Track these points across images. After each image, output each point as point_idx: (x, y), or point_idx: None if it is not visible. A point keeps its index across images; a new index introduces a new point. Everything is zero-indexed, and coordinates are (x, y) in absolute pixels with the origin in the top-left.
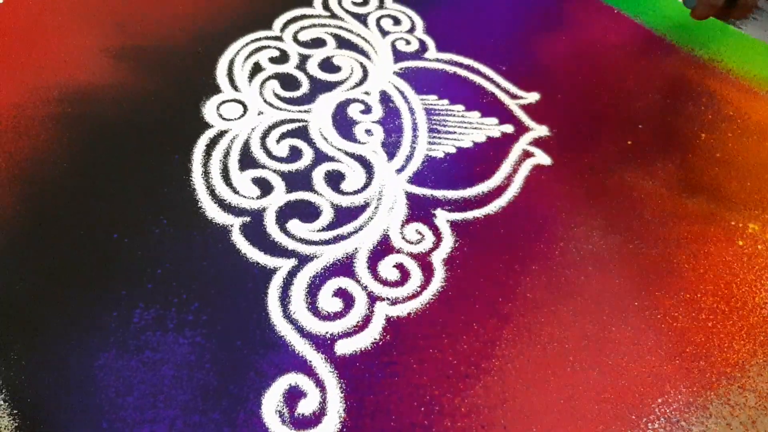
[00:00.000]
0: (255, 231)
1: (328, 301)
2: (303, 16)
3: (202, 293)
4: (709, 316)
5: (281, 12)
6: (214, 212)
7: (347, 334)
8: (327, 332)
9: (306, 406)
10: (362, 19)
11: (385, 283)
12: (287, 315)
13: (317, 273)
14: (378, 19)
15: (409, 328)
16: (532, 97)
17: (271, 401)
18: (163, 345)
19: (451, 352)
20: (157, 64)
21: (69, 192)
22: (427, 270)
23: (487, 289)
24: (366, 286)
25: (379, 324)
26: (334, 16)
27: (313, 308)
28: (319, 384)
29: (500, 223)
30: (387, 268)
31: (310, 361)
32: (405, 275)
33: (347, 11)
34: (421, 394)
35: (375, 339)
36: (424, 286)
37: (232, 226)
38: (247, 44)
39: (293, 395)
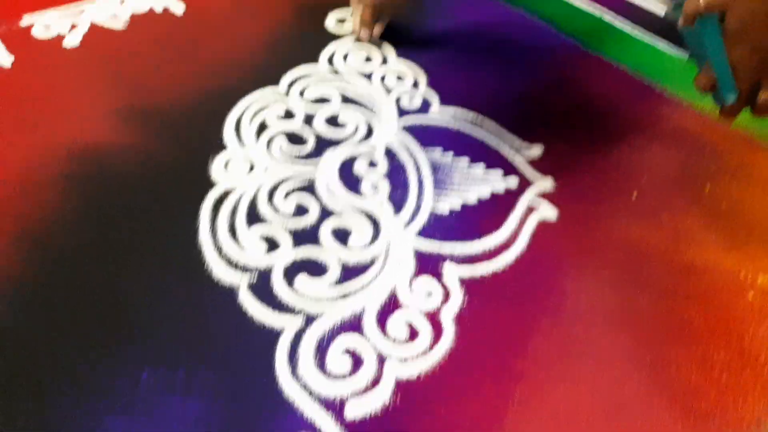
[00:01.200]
0: (262, 289)
1: (336, 361)
2: (309, 74)
3: (210, 355)
4: (722, 371)
5: (287, 70)
6: (221, 271)
7: (357, 396)
8: (336, 395)
9: None
10: (367, 76)
11: (394, 341)
12: (296, 376)
13: (325, 332)
14: (382, 77)
15: (420, 390)
16: (536, 150)
17: None
18: (171, 408)
19: (462, 414)
20: (165, 123)
21: (76, 253)
22: (437, 327)
23: (498, 346)
24: (375, 345)
25: (389, 385)
26: (338, 73)
27: (322, 368)
28: None
29: (509, 278)
30: (396, 325)
31: (320, 426)
32: (414, 333)
33: (352, 68)
34: None
35: (385, 402)
36: (434, 344)
37: (238, 284)
38: (254, 102)
39: None
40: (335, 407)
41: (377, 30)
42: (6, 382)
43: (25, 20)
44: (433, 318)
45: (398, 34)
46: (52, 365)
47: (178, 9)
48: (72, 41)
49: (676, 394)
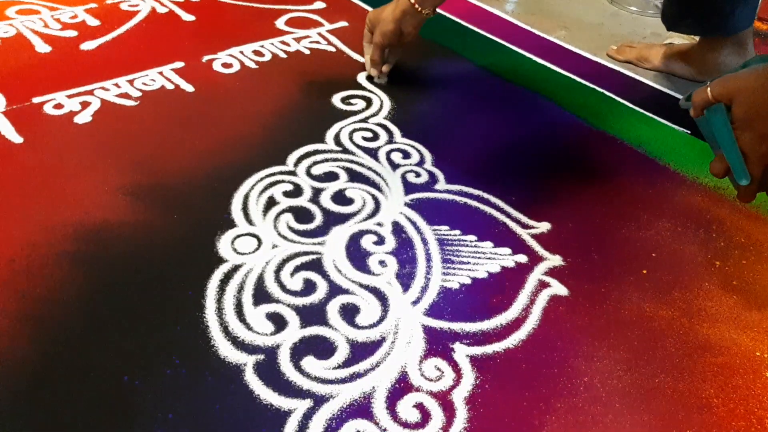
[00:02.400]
0: (269, 370)
1: None
2: (316, 152)
3: None
4: None
5: (295, 147)
6: (227, 350)
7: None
8: None
9: None
10: (373, 153)
11: (405, 425)
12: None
13: (333, 415)
14: (388, 153)
15: None
16: (544, 226)
17: None
18: None
19: None
20: (172, 201)
21: (80, 332)
22: (449, 410)
23: (513, 429)
24: (385, 429)
25: None
26: (345, 150)
27: None
28: None
29: (521, 358)
30: (406, 408)
31: None
32: (426, 416)
33: (358, 146)
34: None
35: None
36: (446, 428)
37: (245, 365)
38: (261, 179)
39: None
40: None
41: (386, 68)
42: None
43: (37, 99)
44: (445, 399)
45: (403, 114)
46: None
47: (189, 87)
48: (83, 118)
49: None
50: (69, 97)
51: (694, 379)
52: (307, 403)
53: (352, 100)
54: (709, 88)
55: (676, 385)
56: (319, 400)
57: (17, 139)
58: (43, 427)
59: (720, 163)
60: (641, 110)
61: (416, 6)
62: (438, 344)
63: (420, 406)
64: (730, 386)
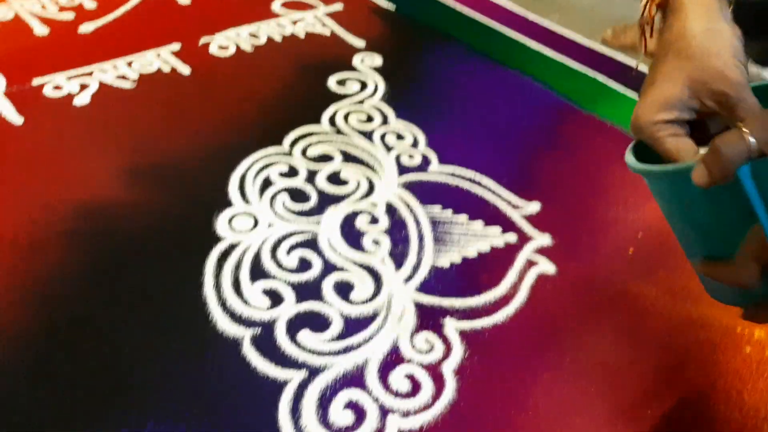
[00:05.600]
0: (266, 342)
1: (339, 415)
2: (311, 133)
3: (213, 408)
4: (724, 426)
5: (290, 129)
6: (225, 324)
7: None
8: None
9: None
10: (367, 135)
11: (396, 394)
12: (298, 429)
13: (328, 385)
14: (382, 135)
15: None
16: (533, 207)
17: None
18: None
19: None
20: (170, 181)
21: (81, 308)
22: (439, 381)
23: (499, 400)
24: (377, 398)
25: None
26: (340, 132)
27: (325, 422)
28: None
29: (509, 332)
30: (398, 378)
31: None
32: (416, 386)
33: (353, 128)
34: None
35: None
36: (435, 398)
37: (242, 338)
38: (258, 160)
39: None
40: None
41: None
42: None
43: (37, 81)
44: (435, 371)
45: (398, 96)
46: (55, 420)
47: (185, 69)
48: (82, 100)
49: None
50: (68, 79)
51: (676, 355)
52: (303, 373)
53: (348, 83)
54: (749, 135)
55: (658, 360)
56: (314, 371)
57: (18, 120)
58: (46, 398)
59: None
60: (633, 95)
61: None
62: (429, 319)
63: (411, 377)
64: (712, 361)
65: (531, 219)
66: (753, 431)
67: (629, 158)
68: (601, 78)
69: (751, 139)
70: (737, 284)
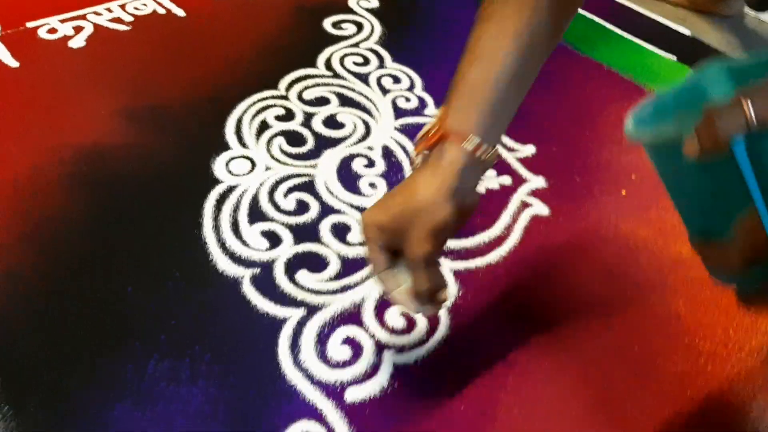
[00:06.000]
0: (265, 282)
1: (337, 350)
2: (307, 76)
3: (215, 345)
4: (708, 360)
5: (286, 72)
6: (224, 265)
7: (357, 382)
8: (337, 380)
9: None
10: (364, 78)
11: (392, 331)
12: (298, 364)
13: (326, 322)
14: (379, 78)
15: (417, 375)
16: (528, 149)
17: None
18: (177, 396)
19: (457, 398)
20: (167, 124)
21: (83, 249)
22: (433, 318)
23: (492, 336)
24: (374, 335)
25: (387, 371)
26: (336, 75)
27: (323, 357)
28: (331, 431)
29: (503, 272)
30: (393, 316)
31: (321, 409)
32: (411, 323)
33: (349, 71)
34: None
35: (383, 386)
36: (430, 334)
37: (242, 277)
38: (254, 103)
39: None
40: (336, 392)
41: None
42: (18, 373)
43: (30, 24)
44: None
45: (394, 39)
46: (61, 357)
47: (180, 11)
48: (77, 42)
49: (664, 382)
50: (62, 21)
51: (665, 292)
52: (301, 311)
53: (343, 25)
54: (749, 107)
55: (648, 297)
56: (312, 309)
57: (13, 63)
58: (52, 336)
59: (750, 241)
60: (629, 36)
61: (477, 152)
62: None
63: (406, 315)
64: (700, 298)
65: (525, 161)
66: (737, 365)
67: (628, 123)
68: (598, 20)
69: (751, 110)
70: (725, 267)
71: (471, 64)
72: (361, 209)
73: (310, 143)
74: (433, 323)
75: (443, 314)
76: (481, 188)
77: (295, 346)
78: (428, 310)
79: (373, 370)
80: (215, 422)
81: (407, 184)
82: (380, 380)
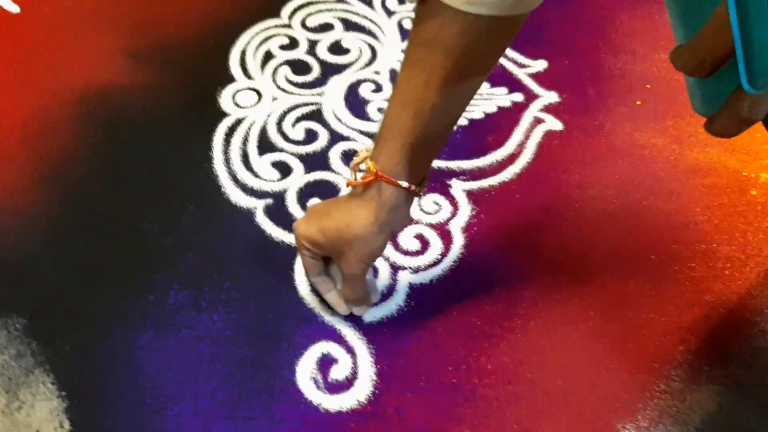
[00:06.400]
0: (278, 212)
1: None
2: (309, 3)
3: (233, 273)
4: (726, 264)
5: (288, 0)
6: (237, 196)
7: (374, 303)
8: None
9: (338, 372)
10: (367, 0)
11: (406, 253)
12: (315, 289)
13: None
14: (383, 0)
15: (433, 294)
16: (540, 65)
17: (306, 369)
18: (199, 323)
19: (474, 314)
20: (171, 60)
21: (98, 188)
22: (447, 238)
23: (506, 252)
24: (388, 257)
25: (403, 292)
26: (339, 0)
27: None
28: (350, 350)
29: (515, 189)
30: (407, 238)
31: (340, 330)
32: (425, 245)
33: None
34: (447, 355)
35: (400, 306)
36: (444, 254)
37: (255, 208)
38: (257, 33)
39: (326, 362)
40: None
41: (374, 298)
42: (43, 310)
43: None
44: (443, 229)
45: None
46: (83, 292)
47: None
48: None
49: (681, 287)
50: None
51: (681, 199)
52: None
53: None
54: None
55: (664, 206)
56: None
57: (14, 8)
58: (73, 273)
59: (703, 45)
60: None
61: (411, 189)
62: (436, 182)
63: (420, 237)
64: (716, 204)
65: (537, 77)
66: (755, 269)
67: None
68: None
69: None
70: (684, 69)
71: (399, 109)
72: (370, 135)
73: (316, 71)
74: (447, 244)
75: (457, 234)
76: (492, 107)
77: None
78: (358, 310)
79: (389, 291)
80: (238, 345)
81: (344, 210)
82: (397, 300)
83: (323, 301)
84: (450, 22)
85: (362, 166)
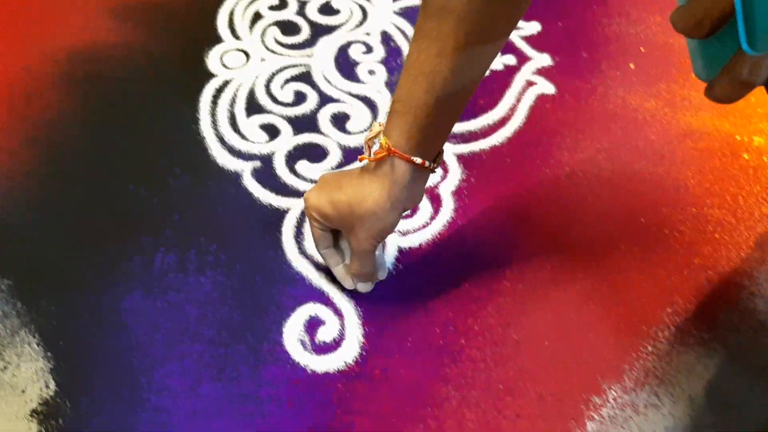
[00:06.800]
0: (266, 175)
1: None
2: None
3: (219, 236)
4: (716, 228)
5: None
6: (224, 159)
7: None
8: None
9: (326, 334)
10: None
11: None
12: (302, 251)
13: None
14: None
15: (421, 257)
16: (533, 27)
17: (293, 331)
18: (186, 285)
19: (463, 277)
20: (159, 20)
21: (84, 149)
22: (436, 202)
23: (496, 216)
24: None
25: (392, 254)
26: None
27: None
28: (337, 312)
29: (506, 153)
30: None
31: (327, 292)
32: (414, 208)
33: None
34: (435, 316)
35: (389, 268)
36: (433, 217)
37: (243, 171)
38: None
39: (313, 324)
40: None
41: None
42: (29, 272)
43: None
44: (432, 193)
45: None
46: (69, 253)
47: None
48: None
49: (671, 250)
50: None
51: (673, 163)
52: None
53: None
54: None
55: (654, 169)
56: None
57: None
58: (60, 235)
59: (700, 7)
60: None
61: (425, 165)
62: None
63: None
64: (708, 168)
65: (530, 39)
66: (745, 233)
67: None
68: None
69: None
70: (683, 30)
71: (411, 82)
72: (360, 97)
73: (306, 32)
74: (437, 207)
75: (447, 197)
76: None
77: (299, 235)
78: (364, 287)
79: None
80: (225, 307)
81: (356, 185)
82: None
83: (319, 267)
84: None
85: (375, 141)
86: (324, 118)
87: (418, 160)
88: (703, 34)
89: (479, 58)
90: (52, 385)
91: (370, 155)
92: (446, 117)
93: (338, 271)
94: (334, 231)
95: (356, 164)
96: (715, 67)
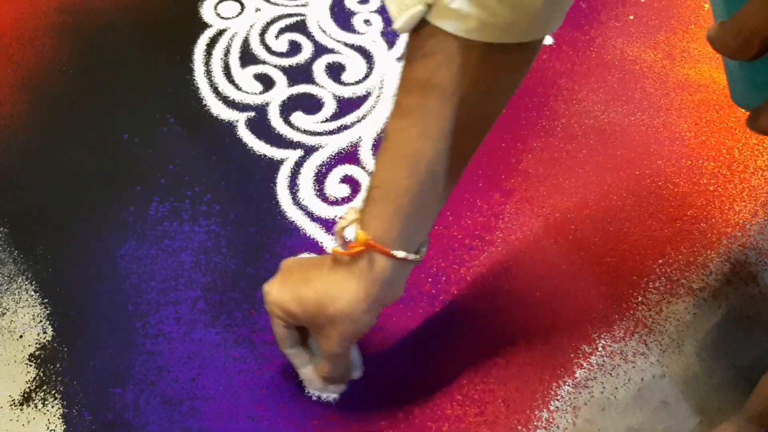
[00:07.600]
0: (260, 125)
1: (335, 188)
2: None
3: (214, 186)
4: (711, 180)
5: None
6: (218, 109)
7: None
8: (336, 216)
9: None
10: None
11: None
12: (297, 202)
13: (323, 162)
14: None
15: None
16: None
17: None
18: (181, 234)
19: (456, 227)
20: None
21: (77, 98)
22: None
23: (490, 167)
24: (371, 172)
25: None
26: None
27: (321, 195)
28: None
29: None
30: None
31: (321, 242)
32: None
33: None
34: (426, 266)
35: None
36: None
37: (237, 121)
38: None
39: None
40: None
41: (358, 374)
42: (25, 219)
43: None
44: None
45: None
46: (65, 203)
47: None
48: None
49: (664, 202)
50: None
51: (669, 115)
52: (298, 152)
53: None
54: None
55: (651, 121)
56: (309, 150)
57: None
58: (55, 184)
59: (748, 23)
60: None
61: (407, 258)
62: None
63: None
64: (704, 120)
65: None
66: (740, 185)
67: None
68: None
69: None
70: (725, 50)
71: (390, 166)
72: (355, 47)
73: None
74: None
75: None
76: None
77: (293, 186)
78: (336, 389)
79: None
80: (219, 256)
81: (326, 280)
82: None
83: (313, 217)
84: (449, 58)
85: (349, 231)
86: (319, 68)
87: (401, 254)
88: (750, 55)
89: (470, 138)
90: (50, 330)
91: (343, 247)
92: (432, 204)
93: (305, 372)
94: (301, 327)
95: (349, 115)
96: (762, 93)
